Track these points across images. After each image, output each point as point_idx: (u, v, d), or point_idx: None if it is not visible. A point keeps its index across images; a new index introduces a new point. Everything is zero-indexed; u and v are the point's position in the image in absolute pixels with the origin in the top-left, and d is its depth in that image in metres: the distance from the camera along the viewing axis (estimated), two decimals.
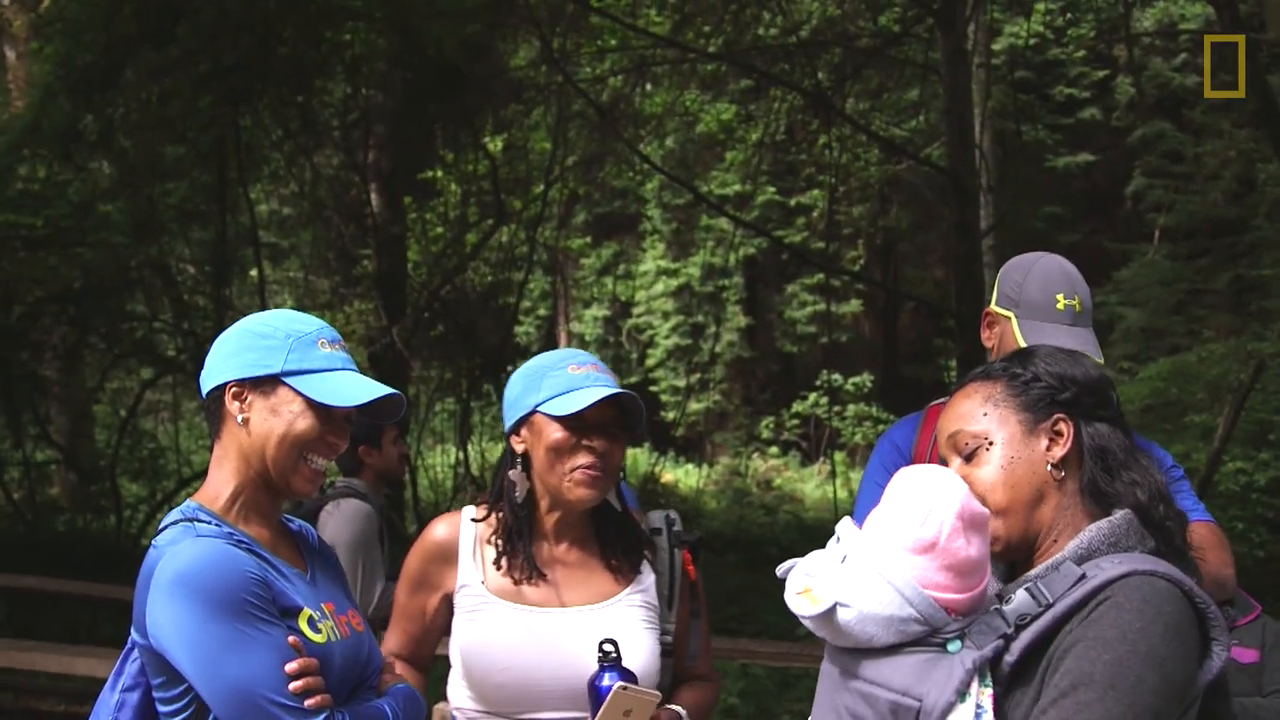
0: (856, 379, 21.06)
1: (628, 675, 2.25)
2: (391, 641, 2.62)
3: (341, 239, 15.56)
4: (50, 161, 10.50)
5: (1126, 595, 1.62)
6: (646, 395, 20.85)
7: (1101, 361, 2.61)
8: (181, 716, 1.96)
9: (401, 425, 5.16)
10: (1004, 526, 1.81)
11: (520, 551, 2.46)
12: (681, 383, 20.75)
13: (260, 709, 1.87)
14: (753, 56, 12.06)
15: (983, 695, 1.62)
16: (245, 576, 1.92)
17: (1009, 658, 1.65)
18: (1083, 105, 20.57)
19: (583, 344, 24.86)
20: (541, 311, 25.75)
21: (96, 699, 2.11)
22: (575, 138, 13.40)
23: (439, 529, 2.56)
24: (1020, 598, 1.69)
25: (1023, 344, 2.56)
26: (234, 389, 2.06)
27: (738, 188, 19.87)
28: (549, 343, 26.07)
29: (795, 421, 21.75)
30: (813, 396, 21.09)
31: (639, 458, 19.24)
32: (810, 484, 20.19)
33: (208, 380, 2.10)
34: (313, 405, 2.05)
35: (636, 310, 23.78)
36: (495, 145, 13.90)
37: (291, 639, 1.94)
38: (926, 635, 1.68)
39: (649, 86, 14.16)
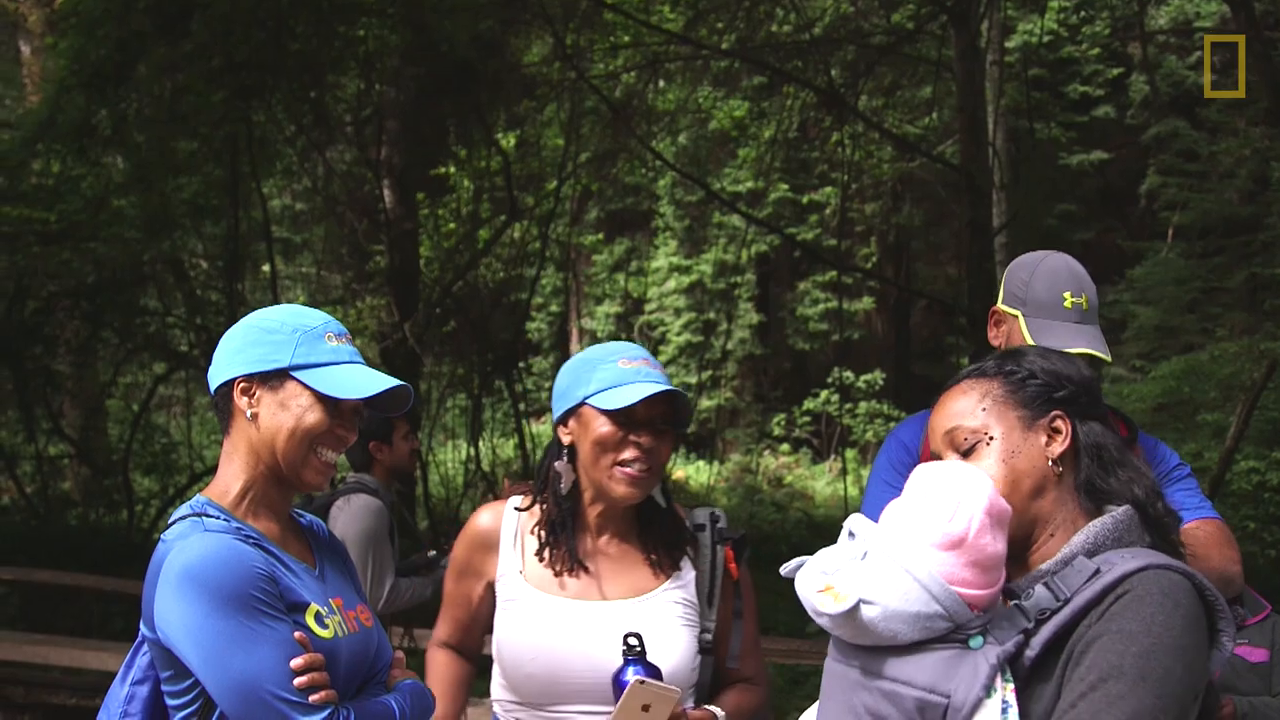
0: (868, 376, 21.02)
1: (652, 669, 2.23)
2: (441, 629, 2.64)
3: (354, 234, 15.59)
4: (64, 156, 10.53)
5: (1146, 589, 1.63)
6: None
7: (1109, 359, 2.61)
8: (189, 710, 1.97)
9: (413, 421, 5.18)
10: None
11: (562, 543, 2.45)
12: (693, 379, 20.73)
13: (265, 704, 1.87)
14: (766, 53, 12.03)
15: (1007, 691, 1.62)
16: (252, 571, 1.92)
17: (1029, 652, 1.65)
18: (1097, 103, 20.53)
19: (594, 340, 24.89)
20: (553, 308, 25.75)
21: (107, 693, 2.12)
22: (588, 134, 13.39)
23: (483, 517, 2.57)
24: (1039, 593, 1.68)
25: (1030, 342, 2.55)
26: (242, 384, 2.07)
27: (750, 185, 19.83)
28: (561, 339, 26.11)
29: (806, 419, 21.73)
30: (824, 394, 21.06)
31: None
32: (821, 481, 20.18)
33: (215, 376, 2.11)
34: (321, 398, 2.06)
35: (648, 307, 23.77)
36: (508, 141, 13.90)
37: (298, 634, 1.94)
38: (950, 632, 1.67)
39: (662, 83, 14.14)
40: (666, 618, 2.39)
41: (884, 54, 11.54)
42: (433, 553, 4.88)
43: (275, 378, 2.06)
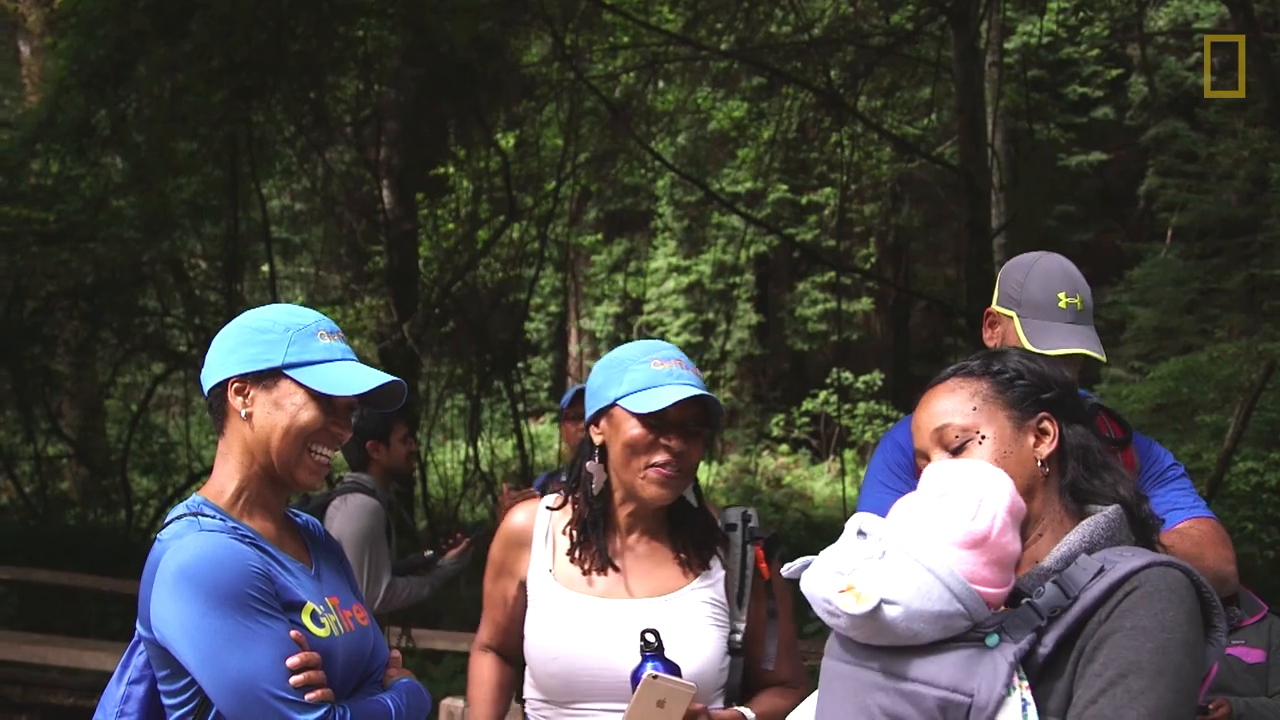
0: (867, 377, 21.03)
1: (670, 666, 2.20)
2: (482, 632, 2.64)
3: (353, 235, 15.59)
4: (63, 156, 10.53)
5: (1154, 585, 1.63)
6: None
7: (1104, 359, 2.61)
8: (186, 709, 1.97)
9: (411, 423, 5.18)
10: None
11: (593, 543, 2.45)
12: None
13: (261, 703, 1.88)
14: (765, 54, 12.03)
15: (1024, 689, 1.62)
16: (248, 570, 1.93)
17: (1042, 650, 1.65)
18: (1096, 104, 20.54)
19: (593, 341, 24.92)
20: (552, 308, 25.78)
21: (104, 692, 2.12)
22: (587, 135, 13.39)
23: (517, 516, 2.57)
24: (1050, 590, 1.68)
25: (1025, 343, 2.56)
26: (236, 384, 2.07)
27: (749, 185, 19.85)
28: (559, 340, 26.14)
29: (805, 419, 21.73)
30: (823, 394, 21.06)
31: None
32: (820, 482, 20.18)
33: (209, 377, 2.11)
34: (315, 396, 2.07)
35: (647, 307, 23.78)
36: (507, 142, 13.90)
37: (294, 633, 1.94)
38: (968, 630, 1.66)
39: (661, 84, 14.14)
40: (693, 616, 2.37)
41: (883, 55, 11.54)
42: (429, 553, 4.88)
43: (269, 377, 2.07)
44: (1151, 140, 18.47)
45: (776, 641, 2.47)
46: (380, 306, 14.29)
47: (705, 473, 18.88)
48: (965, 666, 1.63)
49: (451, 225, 14.45)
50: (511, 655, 2.62)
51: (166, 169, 10.65)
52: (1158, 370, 14.59)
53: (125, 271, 11.76)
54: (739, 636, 2.41)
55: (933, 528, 1.71)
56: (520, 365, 19.42)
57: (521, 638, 2.52)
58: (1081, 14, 18.39)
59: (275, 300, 12.40)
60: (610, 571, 2.43)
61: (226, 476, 2.10)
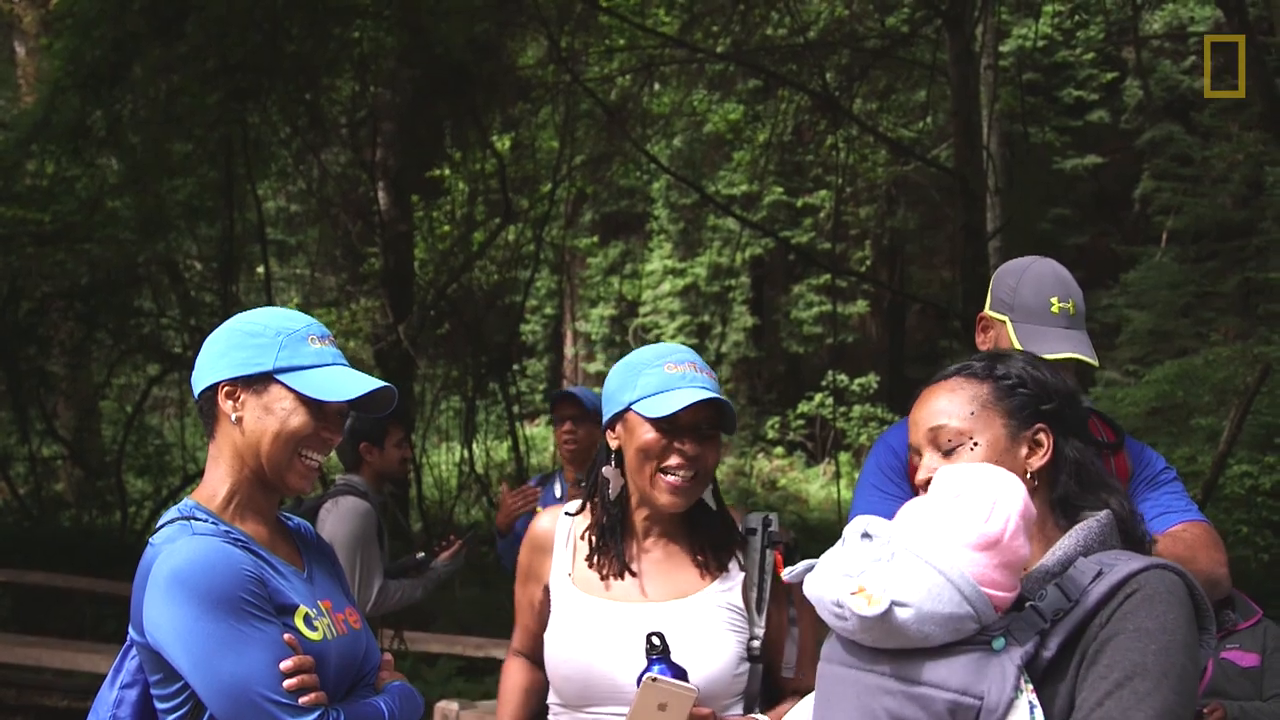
0: (862, 380, 21.03)
1: (676, 669, 2.18)
2: (514, 638, 2.63)
3: (348, 236, 15.59)
4: (58, 157, 10.52)
5: (1154, 588, 1.65)
6: None
7: (1096, 364, 2.62)
8: (179, 714, 1.97)
9: (406, 426, 5.17)
10: None
11: (610, 548, 2.43)
12: None
13: (255, 706, 1.87)
14: (761, 57, 12.05)
15: (1030, 691, 1.62)
16: (241, 574, 1.93)
17: (1046, 653, 1.65)
18: (1091, 107, 20.56)
19: (588, 343, 24.93)
20: (548, 310, 25.78)
21: (96, 696, 2.12)
22: (583, 137, 13.40)
23: (542, 521, 2.57)
24: (1052, 593, 1.68)
25: (1018, 347, 2.56)
26: (226, 388, 2.07)
27: (745, 188, 19.85)
28: (555, 342, 26.14)
29: (800, 422, 21.74)
30: (818, 397, 21.07)
31: None
32: (815, 484, 20.18)
33: (199, 381, 2.11)
34: (306, 401, 2.06)
35: (643, 310, 23.78)
36: (503, 144, 13.90)
37: (287, 636, 1.94)
38: (975, 633, 1.65)
39: (657, 86, 14.18)
40: (707, 620, 2.35)
41: (878, 58, 11.57)
42: (421, 555, 4.87)
43: (259, 381, 2.06)
44: (1147, 144, 18.48)
45: (797, 649, 2.44)
46: (375, 308, 14.28)
47: None
48: (974, 669, 1.63)
49: (447, 227, 14.46)
50: (541, 660, 2.59)
51: (162, 170, 10.65)
52: (1153, 374, 14.61)
53: (120, 272, 11.76)
54: (757, 643, 2.37)
55: (945, 529, 1.70)
56: (515, 367, 19.40)
57: None
58: (1076, 17, 18.40)
59: (270, 301, 12.44)
60: (627, 576, 2.41)
61: (218, 480, 2.10)
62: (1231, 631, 4.15)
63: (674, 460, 2.33)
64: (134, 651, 2.04)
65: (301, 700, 1.90)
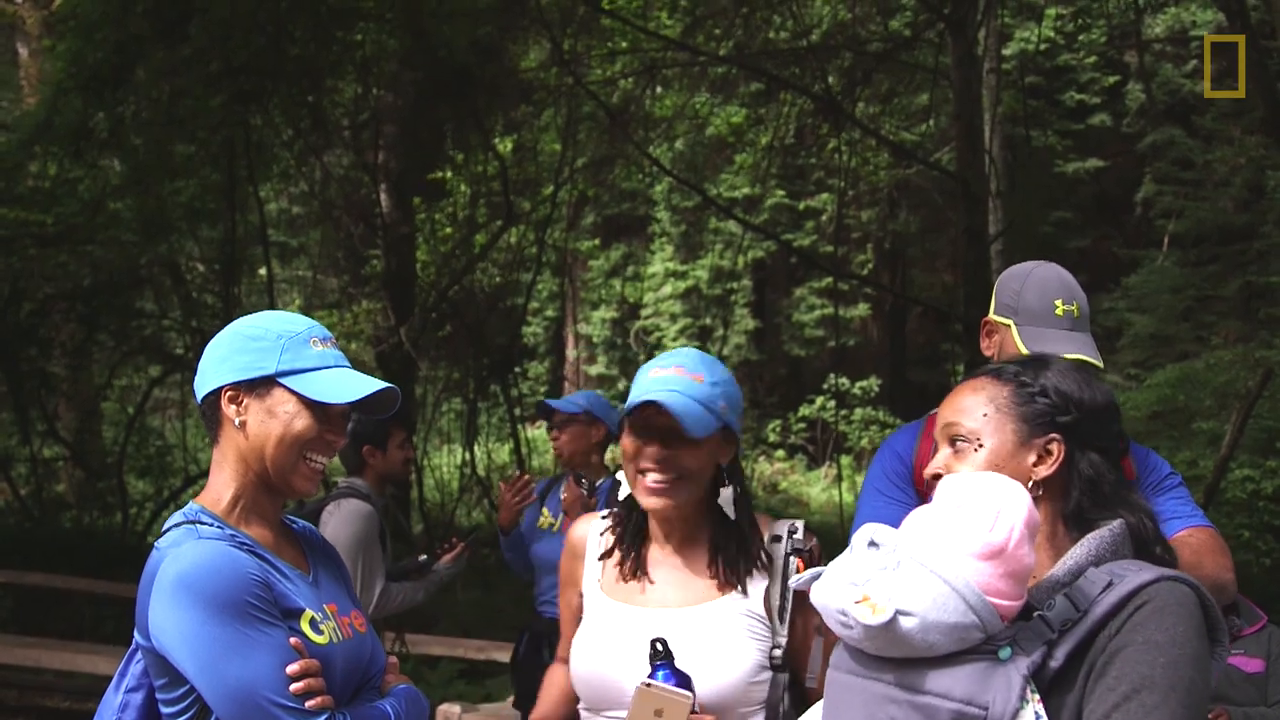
0: (864, 383, 21.05)
1: (680, 676, 2.16)
2: (562, 645, 2.61)
3: (350, 239, 15.60)
4: (61, 159, 10.53)
5: (1164, 600, 1.64)
6: None
7: (1101, 365, 2.62)
8: (184, 718, 1.97)
9: (408, 428, 5.17)
10: None
11: (627, 553, 2.45)
12: None
13: (261, 710, 1.87)
14: (763, 60, 12.04)
15: (1036, 702, 1.61)
16: (247, 578, 1.93)
17: (1053, 663, 1.64)
18: (1093, 111, 20.58)
19: (590, 346, 24.94)
20: (550, 313, 25.79)
21: (101, 696, 2.12)
22: (585, 139, 13.40)
23: (578, 528, 2.58)
24: (1061, 603, 1.67)
25: (1023, 350, 2.58)
26: (229, 393, 2.07)
27: (747, 191, 19.87)
28: (557, 344, 26.13)
29: (802, 425, 21.76)
30: (820, 400, 21.08)
31: None
32: (816, 488, 20.18)
33: (202, 386, 2.11)
34: (309, 404, 2.06)
35: (644, 312, 23.80)
36: (505, 146, 13.89)
37: (293, 640, 1.94)
38: (981, 643, 1.65)
39: (659, 89, 14.16)
40: (722, 628, 2.33)
41: (881, 61, 11.55)
42: (424, 557, 4.87)
43: (262, 385, 2.06)
44: (1148, 147, 18.52)
45: (820, 659, 2.37)
46: (377, 310, 14.27)
47: None
48: (980, 679, 1.62)
49: (449, 229, 14.45)
50: None
51: (164, 172, 10.64)
52: (1154, 377, 14.63)
53: (122, 274, 11.76)
54: (779, 651, 2.33)
55: (949, 538, 1.69)
56: (517, 370, 19.40)
57: None
58: (1079, 21, 18.42)
59: (272, 303, 12.45)
60: (645, 581, 2.42)
61: (223, 484, 2.10)
62: (1236, 637, 4.14)
63: (644, 463, 2.33)
64: (139, 655, 2.04)
65: (308, 704, 1.90)
